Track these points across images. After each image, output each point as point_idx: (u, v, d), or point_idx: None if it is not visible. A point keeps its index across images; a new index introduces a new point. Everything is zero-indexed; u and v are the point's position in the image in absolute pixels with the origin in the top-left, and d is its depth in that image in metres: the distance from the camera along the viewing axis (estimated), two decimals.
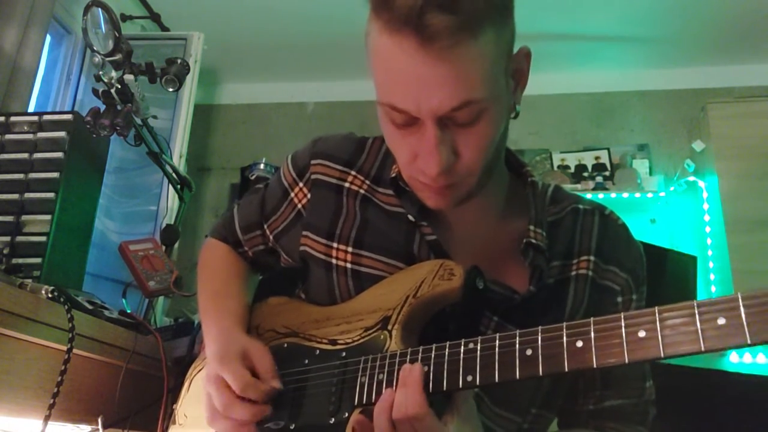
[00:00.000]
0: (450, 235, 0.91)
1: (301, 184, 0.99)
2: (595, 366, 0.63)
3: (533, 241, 0.87)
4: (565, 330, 0.66)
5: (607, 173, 3.34)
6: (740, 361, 2.75)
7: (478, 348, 0.71)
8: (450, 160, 0.76)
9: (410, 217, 0.90)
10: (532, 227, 0.88)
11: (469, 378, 0.70)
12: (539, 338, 0.67)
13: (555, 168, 3.41)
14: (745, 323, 0.56)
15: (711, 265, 2.95)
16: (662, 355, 0.60)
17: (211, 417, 0.85)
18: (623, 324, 0.62)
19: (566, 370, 0.65)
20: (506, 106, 0.80)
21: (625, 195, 3.19)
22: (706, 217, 3.01)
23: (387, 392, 0.74)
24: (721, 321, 0.58)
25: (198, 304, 1.01)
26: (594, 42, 3.30)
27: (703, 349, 0.58)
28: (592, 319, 0.65)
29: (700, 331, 0.58)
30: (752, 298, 0.57)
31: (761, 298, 0.56)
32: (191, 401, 1.01)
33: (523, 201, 0.92)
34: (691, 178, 3.10)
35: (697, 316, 0.59)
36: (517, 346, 0.68)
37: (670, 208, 3.28)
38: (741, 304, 0.57)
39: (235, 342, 0.88)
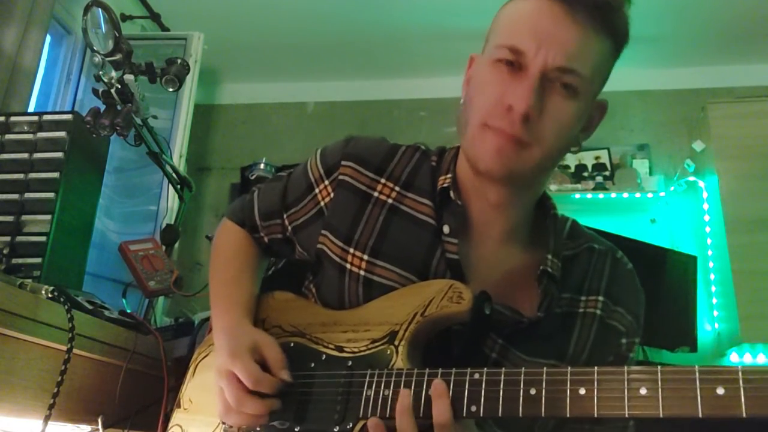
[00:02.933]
0: (471, 254, 0.92)
1: (326, 182, 0.99)
2: (596, 415, 0.65)
3: (549, 270, 0.89)
4: (569, 375, 0.68)
5: (607, 173, 3.33)
6: (740, 361, 2.76)
7: (484, 380, 0.73)
8: (536, 110, 0.80)
9: (445, 229, 0.91)
10: (550, 257, 0.90)
11: (473, 408, 0.72)
12: (544, 380, 0.69)
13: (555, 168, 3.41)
14: (742, 396, 0.59)
15: (711, 265, 2.95)
16: (660, 415, 0.62)
17: (224, 411, 0.87)
18: (626, 378, 0.65)
19: (568, 415, 0.67)
20: (581, 124, 0.87)
21: (625, 195, 3.19)
22: (706, 217, 3.01)
23: (406, 393, 0.76)
24: (720, 391, 0.60)
25: (209, 287, 1.03)
26: None
27: (700, 415, 0.60)
28: (596, 368, 0.67)
29: (699, 399, 0.60)
30: (753, 374, 0.59)
31: (761, 374, 0.59)
32: (197, 387, 1.03)
33: (544, 231, 0.94)
34: (691, 178, 3.10)
35: (697, 383, 0.61)
36: (522, 384, 0.70)
37: (670, 208, 3.27)
38: (741, 377, 0.59)
39: (245, 335, 0.90)
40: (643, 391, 0.63)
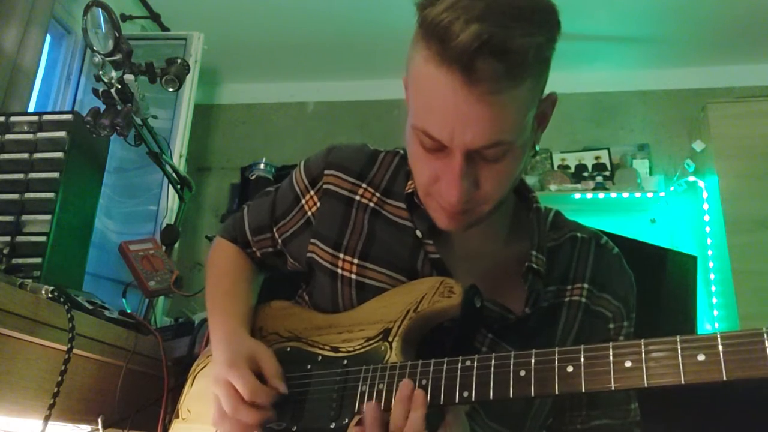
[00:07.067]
0: (454, 253, 0.93)
1: (312, 192, 1.01)
2: (583, 390, 0.67)
3: (534, 266, 0.89)
4: (557, 355, 0.70)
5: (607, 173, 3.34)
6: None
7: (475, 366, 0.74)
8: (470, 190, 0.79)
9: (418, 233, 0.92)
10: (534, 252, 0.90)
11: (465, 394, 0.74)
12: (533, 361, 0.71)
13: (555, 168, 3.41)
14: (722, 361, 0.60)
15: (711, 265, 2.95)
16: (645, 385, 0.64)
17: (218, 418, 0.87)
18: (611, 353, 0.67)
19: (557, 392, 0.68)
20: (529, 146, 0.83)
21: (625, 195, 3.19)
22: (706, 217, 3.01)
23: (373, 407, 0.76)
24: (701, 357, 0.62)
25: (206, 304, 1.04)
26: (594, 42, 3.30)
27: (683, 382, 0.62)
28: (582, 346, 0.69)
29: (681, 366, 0.62)
30: (730, 338, 0.61)
31: (738, 339, 0.61)
32: (194, 397, 1.03)
33: (527, 225, 0.94)
34: (691, 178, 3.10)
35: (679, 351, 0.63)
36: (512, 366, 0.72)
37: (670, 208, 3.27)
38: (720, 342, 0.61)
39: (243, 346, 0.91)
40: (627, 364, 0.65)
